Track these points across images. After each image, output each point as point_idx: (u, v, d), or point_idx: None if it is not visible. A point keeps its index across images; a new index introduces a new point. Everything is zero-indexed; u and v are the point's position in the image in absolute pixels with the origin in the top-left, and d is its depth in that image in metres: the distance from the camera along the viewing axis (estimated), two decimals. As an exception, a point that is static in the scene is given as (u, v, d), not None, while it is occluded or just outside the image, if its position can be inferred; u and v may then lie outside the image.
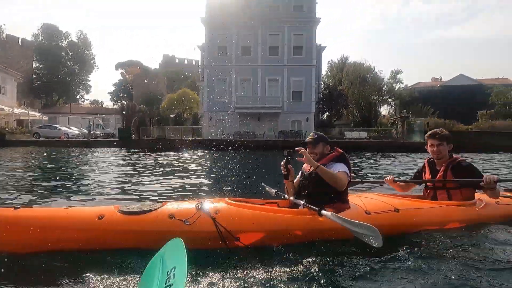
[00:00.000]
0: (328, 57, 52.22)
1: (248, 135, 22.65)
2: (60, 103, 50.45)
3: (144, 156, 13.33)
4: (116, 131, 36.87)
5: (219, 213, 2.11)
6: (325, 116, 32.98)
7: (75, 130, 27.80)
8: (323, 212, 2.05)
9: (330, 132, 27.76)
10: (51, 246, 1.93)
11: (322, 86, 32.92)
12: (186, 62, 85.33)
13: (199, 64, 40.42)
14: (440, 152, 2.63)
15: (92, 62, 53.77)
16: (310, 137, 2.51)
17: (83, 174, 7.31)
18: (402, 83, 44.37)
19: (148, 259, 1.51)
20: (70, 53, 51.02)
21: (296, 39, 24.32)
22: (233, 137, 22.43)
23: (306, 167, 2.51)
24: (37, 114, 29.44)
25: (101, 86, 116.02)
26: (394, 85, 44.45)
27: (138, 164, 9.63)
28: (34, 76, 47.20)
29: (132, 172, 7.60)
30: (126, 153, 15.29)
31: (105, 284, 1.60)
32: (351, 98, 34.40)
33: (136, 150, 17.96)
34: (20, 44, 43.17)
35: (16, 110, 25.91)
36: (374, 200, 2.53)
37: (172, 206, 2.25)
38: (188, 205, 2.25)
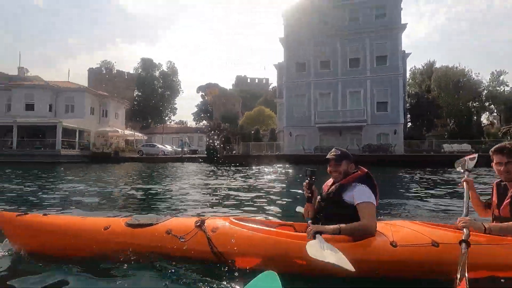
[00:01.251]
0: (409, 64, 48.03)
1: (329, 150, 21.97)
2: (153, 124, 58.28)
3: (229, 170, 14.13)
4: (199, 148, 40.60)
5: (216, 232, 2.04)
6: (411, 127, 30.02)
7: (168, 148, 31.44)
8: (316, 236, 1.82)
9: (422, 145, 25.06)
10: (68, 252, 2.13)
11: (406, 95, 30.30)
12: (257, 81, 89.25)
13: (275, 81, 41.61)
14: (509, 172, 2.01)
15: (178, 87, 60.96)
16: (332, 154, 2.18)
17: (178, 185, 8.12)
18: (507, 85, 37.68)
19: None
20: (161, 81, 58.94)
21: (379, 48, 23.19)
22: (313, 152, 22.17)
23: (325, 186, 2.26)
24: (139, 134, 34.43)
25: (185, 108, 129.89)
26: (497, 88, 38.11)
27: (225, 178, 10.24)
28: (135, 102, 55.75)
29: (217, 185, 8.13)
30: (213, 168, 16.36)
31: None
32: (443, 107, 30.64)
33: (223, 165, 19.15)
34: (126, 77, 51.97)
35: (126, 132, 30.79)
36: (406, 229, 2.06)
37: (175, 221, 2.23)
38: (189, 222, 2.18)
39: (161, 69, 59.23)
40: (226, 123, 27.56)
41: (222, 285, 1.75)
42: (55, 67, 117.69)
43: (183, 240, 2.02)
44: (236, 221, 2.19)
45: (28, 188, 7.16)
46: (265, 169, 15.06)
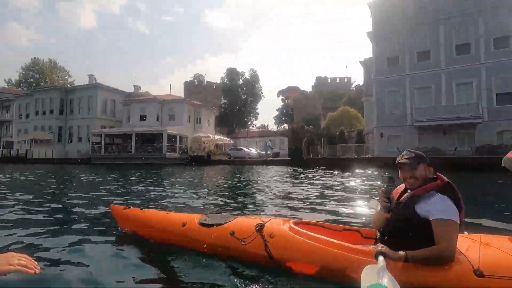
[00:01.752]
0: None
1: (430, 152, 19.16)
2: (237, 129, 62.21)
3: (315, 174, 13.63)
4: (282, 151, 41.18)
5: (274, 238, 2.07)
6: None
7: (253, 151, 32.86)
8: (379, 259, 1.54)
9: None
10: (154, 239, 2.59)
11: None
12: (338, 80, 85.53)
13: (360, 79, 39.03)
14: None
15: (260, 93, 63.51)
16: (405, 157, 1.82)
17: (262, 185, 8.06)
18: None
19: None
20: (244, 88, 62.48)
21: (497, 27, 19.01)
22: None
23: (394, 193, 1.93)
24: (227, 139, 37.12)
25: (266, 112, 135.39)
26: None
27: (311, 181, 9.79)
28: (222, 110, 60.62)
29: (300, 188, 7.80)
30: (298, 171, 16.08)
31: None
32: None
33: (308, 168, 18.75)
34: (214, 87, 57.06)
35: (216, 137, 33.64)
36: (498, 251, 1.58)
37: (239, 222, 2.34)
38: (250, 224, 2.25)
39: (244, 77, 62.83)
40: (310, 126, 27.05)
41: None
42: (158, 83, 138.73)
43: (243, 243, 2.15)
44: (295, 227, 2.15)
45: (146, 186, 8.45)
46: (357, 172, 14.10)
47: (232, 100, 59.87)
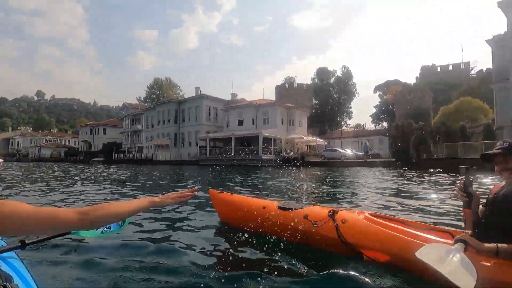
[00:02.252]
0: None
1: None
2: (329, 130, 59.98)
3: (433, 177, 11.44)
4: (381, 152, 37.35)
5: (345, 223, 2.17)
6: None
7: (349, 152, 30.89)
8: (457, 244, 1.43)
9: None
10: (241, 219, 2.94)
11: None
12: (450, 68, 72.45)
13: (485, 62, 31.88)
14: None
15: (353, 90, 59.65)
16: (497, 148, 1.64)
17: (358, 188, 7.01)
18: None
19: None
20: (336, 87, 59.84)
21: None
22: None
23: (494, 188, 1.66)
24: (320, 140, 36.14)
25: (361, 110, 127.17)
26: None
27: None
28: (313, 111, 59.74)
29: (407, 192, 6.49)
30: (405, 174, 13.98)
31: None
32: None
33: (419, 171, 16.18)
34: (305, 88, 56.73)
35: (309, 138, 33.20)
36: None
37: (313, 209, 2.57)
38: (324, 211, 2.43)
39: (336, 75, 60.22)
40: (420, 122, 23.59)
41: (348, 273, 1.84)
42: (250, 89, 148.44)
43: (315, 225, 2.31)
44: (370, 216, 2.20)
45: (251, 181, 8.83)
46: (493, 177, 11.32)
47: (324, 100, 58.16)
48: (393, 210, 4.43)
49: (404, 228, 1.98)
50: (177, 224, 3.50)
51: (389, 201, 5.48)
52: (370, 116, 57.40)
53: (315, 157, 31.25)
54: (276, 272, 1.94)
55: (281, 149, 30.99)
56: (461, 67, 70.73)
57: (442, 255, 1.37)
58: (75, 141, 71.86)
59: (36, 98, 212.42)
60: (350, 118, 62.34)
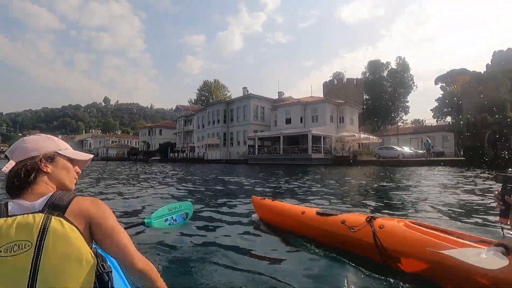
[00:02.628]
0: None
1: None
2: (383, 126, 56.03)
3: None
4: (446, 150, 33.56)
5: (383, 229, 2.18)
6: None
7: (407, 150, 28.38)
8: (496, 247, 1.43)
9: None
10: (280, 223, 3.23)
11: None
12: (532, 51, 62.18)
13: None
14: None
15: (410, 83, 54.82)
16: None
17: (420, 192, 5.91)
18: None
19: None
20: (390, 80, 55.62)
21: None
22: None
23: None
24: (374, 137, 33.89)
25: (420, 104, 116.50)
26: None
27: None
28: (364, 106, 56.52)
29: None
30: (481, 175, 12.02)
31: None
32: None
33: (495, 171, 13.92)
34: (355, 83, 53.87)
35: (362, 136, 31.34)
36: None
37: (351, 215, 2.59)
38: (362, 217, 2.45)
39: (390, 68, 56.01)
40: (496, 115, 20.62)
41: (383, 282, 1.85)
42: (296, 86, 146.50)
43: (352, 230, 2.33)
44: (409, 223, 2.21)
45: (305, 183, 8.47)
46: None
47: (377, 95, 54.52)
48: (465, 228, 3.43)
49: (446, 236, 1.96)
50: (221, 225, 3.75)
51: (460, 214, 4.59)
52: (431, 110, 52.04)
53: (368, 155, 29.39)
54: (309, 273, 2.12)
55: (332, 147, 29.79)
56: (548, 49, 60.10)
57: (480, 254, 1.36)
58: (135, 142, 78.86)
59: (103, 104, 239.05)
60: (406, 113, 57.51)
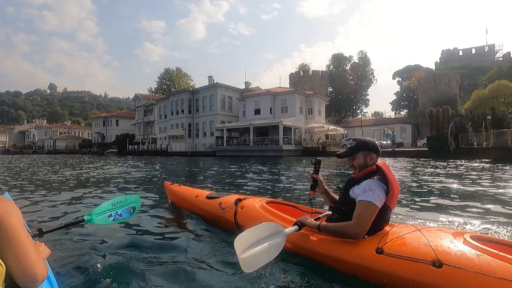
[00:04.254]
0: None
1: None
2: (346, 118, 58.05)
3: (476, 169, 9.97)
4: (403, 140, 35.53)
5: (243, 209, 2.54)
6: None
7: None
8: (294, 226, 1.87)
9: None
10: (182, 206, 3.53)
11: None
12: (474, 51, 68.91)
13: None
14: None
15: (371, 77, 57.20)
16: (346, 147, 2.01)
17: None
18: None
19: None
20: (352, 73, 57.48)
21: None
22: None
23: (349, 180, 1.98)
24: (340, 129, 34.56)
25: (377, 98, 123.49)
26: None
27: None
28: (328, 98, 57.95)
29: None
30: (445, 164, 12.39)
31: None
32: None
33: (461, 162, 14.60)
34: (320, 75, 54.67)
35: (330, 127, 31.68)
36: (417, 240, 1.60)
37: (230, 197, 2.91)
38: (233, 199, 2.77)
39: (352, 61, 57.78)
40: (447, 108, 21.82)
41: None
42: (259, 79, 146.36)
43: (224, 211, 2.72)
44: (264, 204, 2.53)
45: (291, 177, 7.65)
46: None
47: (340, 87, 56.02)
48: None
49: (290, 211, 2.59)
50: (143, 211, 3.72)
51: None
52: (390, 103, 55.07)
53: (336, 147, 29.84)
54: (188, 246, 2.41)
55: (301, 139, 29.65)
56: (485, 50, 67.04)
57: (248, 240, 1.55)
58: (88, 133, 72.12)
59: (49, 91, 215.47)
60: (366, 106, 60.17)
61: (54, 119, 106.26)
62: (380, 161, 1.87)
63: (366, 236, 1.71)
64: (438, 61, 69.73)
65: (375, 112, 54.43)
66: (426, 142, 22.49)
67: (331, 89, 58.39)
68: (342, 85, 56.12)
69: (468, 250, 1.47)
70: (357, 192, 1.77)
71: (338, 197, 2.07)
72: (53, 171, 11.16)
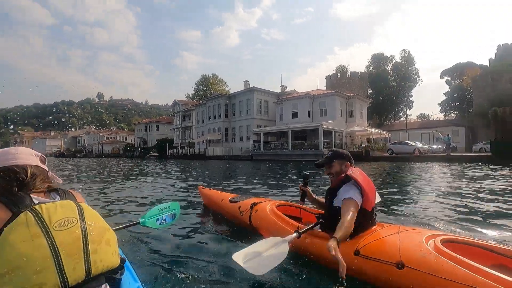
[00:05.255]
0: None
1: None
2: (387, 121, 54.71)
3: None
4: (457, 144, 32.29)
5: (257, 212, 2.85)
6: None
7: (420, 145, 26.97)
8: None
9: None
10: (211, 208, 3.96)
11: None
12: (537, 44, 61.27)
13: None
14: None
15: (415, 77, 53.45)
16: (324, 157, 2.32)
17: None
18: None
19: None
20: (394, 74, 54.17)
21: None
22: None
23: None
24: (385, 132, 32.41)
25: (423, 99, 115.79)
26: None
27: None
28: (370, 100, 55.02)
29: None
30: None
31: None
32: None
33: None
34: (359, 76, 52.34)
35: (373, 130, 29.80)
36: (390, 242, 1.79)
37: (247, 201, 3.22)
38: (250, 202, 3.11)
39: (394, 61, 54.51)
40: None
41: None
42: (292, 84, 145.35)
43: (241, 214, 3.06)
44: (274, 208, 2.82)
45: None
46: None
47: (381, 89, 53.04)
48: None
49: (294, 217, 2.77)
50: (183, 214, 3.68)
51: None
52: (439, 104, 50.76)
53: (380, 151, 27.93)
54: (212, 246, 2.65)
55: (342, 143, 28.24)
56: (552, 43, 59.21)
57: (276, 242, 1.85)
58: (131, 138, 76.53)
59: (97, 100, 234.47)
60: (410, 107, 56.18)
61: (102, 125, 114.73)
62: (352, 169, 2.12)
63: (348, 240, 1.89)
64: (493, 57, 63.11)
65: (420, 114, 50.47)
66: (489, 146, 19.94)
67: (370, 91, 55.56)
68: (383, 87, 53.08)
69: (429, 253, 1.60)
70: (339, 198, 2.03)
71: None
72: (107, 173, 11.54)
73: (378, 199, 2.35)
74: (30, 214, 0.98)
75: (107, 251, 1.06)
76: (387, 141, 31.72)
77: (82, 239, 1.01)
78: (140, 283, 1.27)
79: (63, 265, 0.95)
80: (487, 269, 1.42)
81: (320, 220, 2.24)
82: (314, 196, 2.45)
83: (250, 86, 36.94)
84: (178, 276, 1.98)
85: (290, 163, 20.59)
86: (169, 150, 46.49)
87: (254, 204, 2.98)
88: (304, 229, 2.07)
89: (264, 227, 2.62)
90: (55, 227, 0.98)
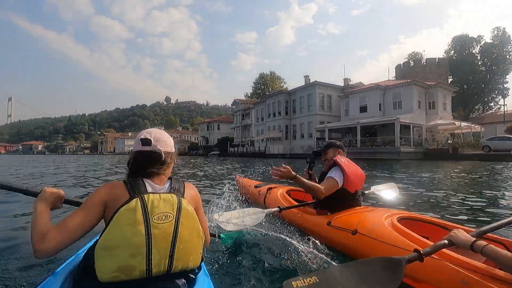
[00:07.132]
0: None
1: None
2: (472, 113, 46.74)
3: None
4: None
5: (270, 194, 3.53)
6: None
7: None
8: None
9: None
10: (244, 194, 4.21)
11: None
12: None
13: None
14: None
15: (511, 58, 44.46)
16: (322, 145, 2.83)
17: None
18: None
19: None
20: (483, 57, 45.91)
21: None
22: None
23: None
24: (477, 126, 27.31)
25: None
26: None
27: None
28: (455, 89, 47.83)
29: None
30: None
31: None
32: None
33: None
34: (437, 63, 45.73)
35: (463, 124, 25.25)
36: (355, 216, 2.23)
37: (266, 187, 3.86)
38: (267, 187, 3.83)
39: (483, 42, 46.21)
40: None
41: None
42: (350, 76, 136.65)
43: (260, 196, 3.65)
44: (284, 192, 3.46)
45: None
46: None
47: (465, 76, 45.50)
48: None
49: (296, 202, 3.27)
50: None
51: None
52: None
53: (472, 149, 23.44)
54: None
55: (422, 139, 24.59)
56: None
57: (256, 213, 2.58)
58: (195, 137, 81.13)
59: (165, 103, 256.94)
60: (505, 96, 46.96)
61: (169, 125, 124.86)
62: (340, 156, 2.56)
63: (329, 213, 2.45)
64: None
65: (521, 103, 41.63)
66: None
67: (451, 79, 48.17)
68: (468, 73, 45.43)
69: (379, 224, 1.97)
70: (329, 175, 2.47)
71: None
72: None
73: (396, 192, 3.39)
74: (139, 202, 1.05)
75: (191, 252, 1.12)
76: (480, 136, 26.63)
77: (173, 236, 1.07)
78: (211, 284, 1.28)
79: (151, 256, 1.02)
80: (418, 236, 1.75)
81: (314, 200, 2.65)
82: (316, 180, 2.72)
83: (311, 81, 35.08)
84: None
85: (359, 162, 18.45)
86: (230, 148, 47.45)
87: (270, 189, 3.64)
88: (285, 207, 2.76)
89: (273, 205, 3.02)
90: (154, 219, 1.05)
